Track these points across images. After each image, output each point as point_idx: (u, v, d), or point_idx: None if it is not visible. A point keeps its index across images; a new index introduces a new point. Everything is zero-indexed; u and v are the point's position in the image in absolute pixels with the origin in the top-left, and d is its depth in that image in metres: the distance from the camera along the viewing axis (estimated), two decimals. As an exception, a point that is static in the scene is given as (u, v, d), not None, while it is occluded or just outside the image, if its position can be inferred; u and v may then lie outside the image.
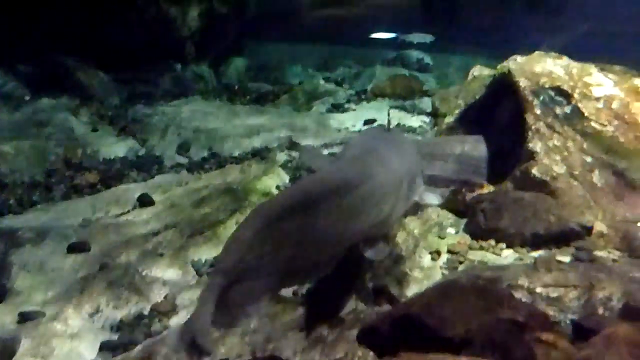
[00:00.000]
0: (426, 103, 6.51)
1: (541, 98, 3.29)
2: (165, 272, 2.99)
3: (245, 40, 8.82)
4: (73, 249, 3.26)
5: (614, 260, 2.59)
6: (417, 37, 7.16)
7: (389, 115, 3.73)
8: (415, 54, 8.25)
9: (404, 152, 2.77)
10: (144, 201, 3.91)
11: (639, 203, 2.97)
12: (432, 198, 2.78)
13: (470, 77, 4.16)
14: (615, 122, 3.15)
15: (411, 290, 2.64)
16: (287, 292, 2.57)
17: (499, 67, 3.77)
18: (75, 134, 5.38)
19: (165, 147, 5.28)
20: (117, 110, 6.21)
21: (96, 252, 3.23)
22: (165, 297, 2.79)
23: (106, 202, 3.99)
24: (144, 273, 2.95)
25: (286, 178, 4.22)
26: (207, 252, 3.15)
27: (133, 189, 4.20)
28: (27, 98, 6.00)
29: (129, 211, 3.84)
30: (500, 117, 3.57)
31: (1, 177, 4.37)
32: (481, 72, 4.08)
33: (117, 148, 5.28)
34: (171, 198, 3.98)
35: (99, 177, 4.51)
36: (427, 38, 7.10)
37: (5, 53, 6.06)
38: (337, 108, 6.46)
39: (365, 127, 5.74)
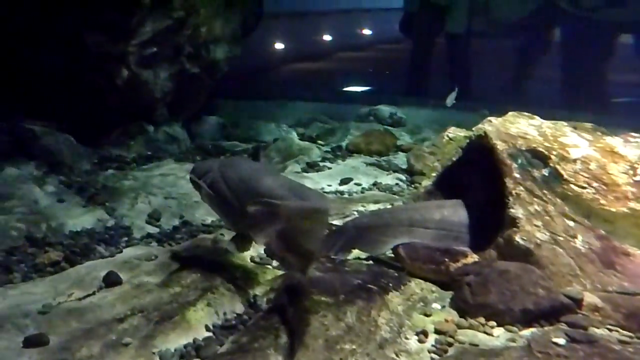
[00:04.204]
0: (401, 158, 6.45)
1: (519, 161, 3.22)
2: (130, 366, 2.75)
3: (218, 99, 8.79)
4: (29, 342, 2.97)
5: (621, 342, 2.40)
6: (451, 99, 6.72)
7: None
8: (388, 109, 8.28)
9: None
10: (110, 281, 3.65)
11: (633, 271, 2.86)
12: None
13: (445, 139, 4.12)
14: (595, 184, 3.09)
15: (398, 380, 2.45)
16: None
17: (474, 129, 3.72)
18: (40, 206, 5.12)
19: (135, 216, 5.04)
20: (87, 177, 5.99)
21: (55, 344, 2.95)
22: (129, 398, 2.54)
23: (70, 283, 3.72)
24: (106, 369, 2.70)
25: (261, 247, 4.03)
26: (175, 340, 2.91)
27: (100, 266, 3.93)
28: (-10, 168, 5.75)
29: (93, 293, 3.57)
30: (478, 181, 3.49)
31: (-44, 259, 4.08)
32: (456, 134, 4.04)
33: (84, 219, 5.00)
34: (139, 275, 3.74)
35: (63, 254, 4.24)
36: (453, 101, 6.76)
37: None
38: (313, 167, 6.35)
39: (341, 186, 5.63)
